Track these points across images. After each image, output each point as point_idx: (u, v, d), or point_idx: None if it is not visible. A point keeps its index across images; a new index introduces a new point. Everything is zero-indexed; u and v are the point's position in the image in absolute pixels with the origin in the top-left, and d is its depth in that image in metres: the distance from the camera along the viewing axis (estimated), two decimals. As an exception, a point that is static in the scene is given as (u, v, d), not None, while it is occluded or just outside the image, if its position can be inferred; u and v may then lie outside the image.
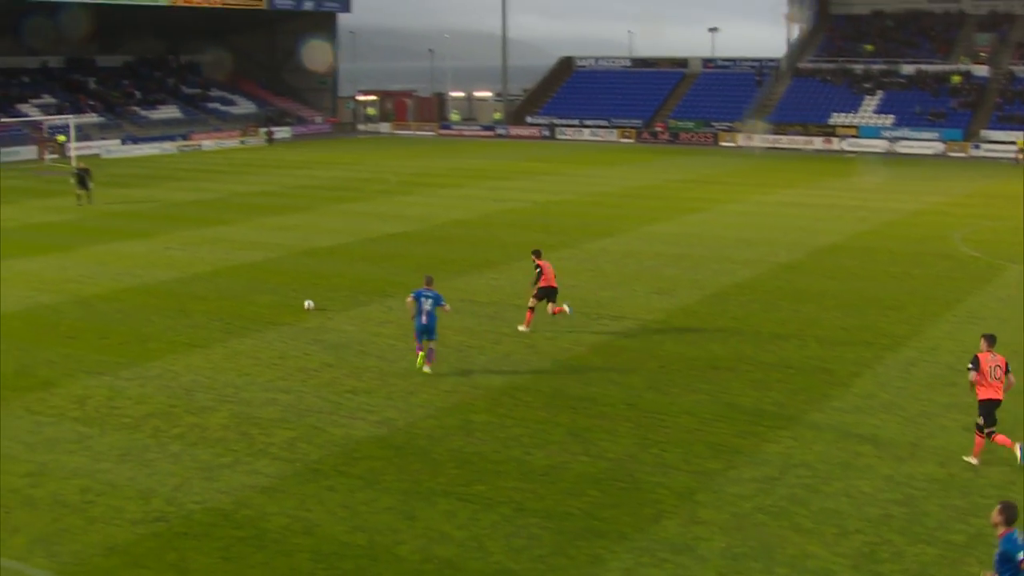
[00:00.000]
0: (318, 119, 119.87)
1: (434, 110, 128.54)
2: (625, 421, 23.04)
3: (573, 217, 52.94)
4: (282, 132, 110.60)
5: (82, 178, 57.98)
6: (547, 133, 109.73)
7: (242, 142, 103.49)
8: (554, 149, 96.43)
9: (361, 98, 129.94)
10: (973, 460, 20.56)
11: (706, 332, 30.38)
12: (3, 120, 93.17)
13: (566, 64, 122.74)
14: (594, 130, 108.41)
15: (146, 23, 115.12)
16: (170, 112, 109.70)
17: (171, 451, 21.37)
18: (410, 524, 18.11)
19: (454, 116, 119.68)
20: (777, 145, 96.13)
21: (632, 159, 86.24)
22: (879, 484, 19.78)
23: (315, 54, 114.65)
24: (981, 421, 20.45)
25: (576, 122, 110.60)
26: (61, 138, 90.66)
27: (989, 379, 20.32)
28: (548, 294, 30.06)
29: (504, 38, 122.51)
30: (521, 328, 30.31)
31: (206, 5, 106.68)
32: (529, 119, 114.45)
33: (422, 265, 39.86)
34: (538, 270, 30.02)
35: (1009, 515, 13.61)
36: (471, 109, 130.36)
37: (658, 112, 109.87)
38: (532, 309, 30.32)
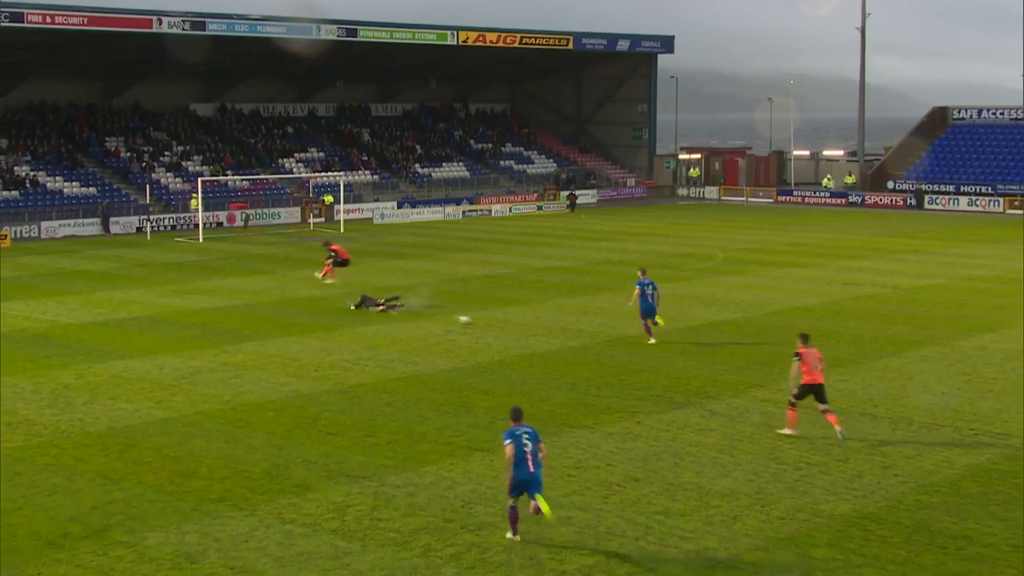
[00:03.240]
0: (631, 181, 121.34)
1: (772, 171, 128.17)
2: (1008, 567, 22.15)
3: (944, 307, 51.67)
4: (587, 196, 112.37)
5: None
6: (913, 201, 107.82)
7: (539, 207, 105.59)
8: (921, 221, 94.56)
9: (683, 156, 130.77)
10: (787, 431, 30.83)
11: (1117, 457, 29.05)
12: (264, 177, 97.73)
13: (940, 116, 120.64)
14: (973, 198, 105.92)
15: (430, 66, 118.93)
16: (455, 171, 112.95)
17: (443, 574, 21.69)
18: None
19: (826, 182, 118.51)
20: None
21: (1022, 235, 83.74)
22: None
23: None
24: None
25: (951, 188, 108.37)
26: (328, 199, 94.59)
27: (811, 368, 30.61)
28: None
29: (862, 84, 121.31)
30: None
31: (502, 45, 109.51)
32: (891, 184, 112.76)
33: (753, 361, 39.60)
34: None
35: (513, 414, 23.68)
36: (817, 171, 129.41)
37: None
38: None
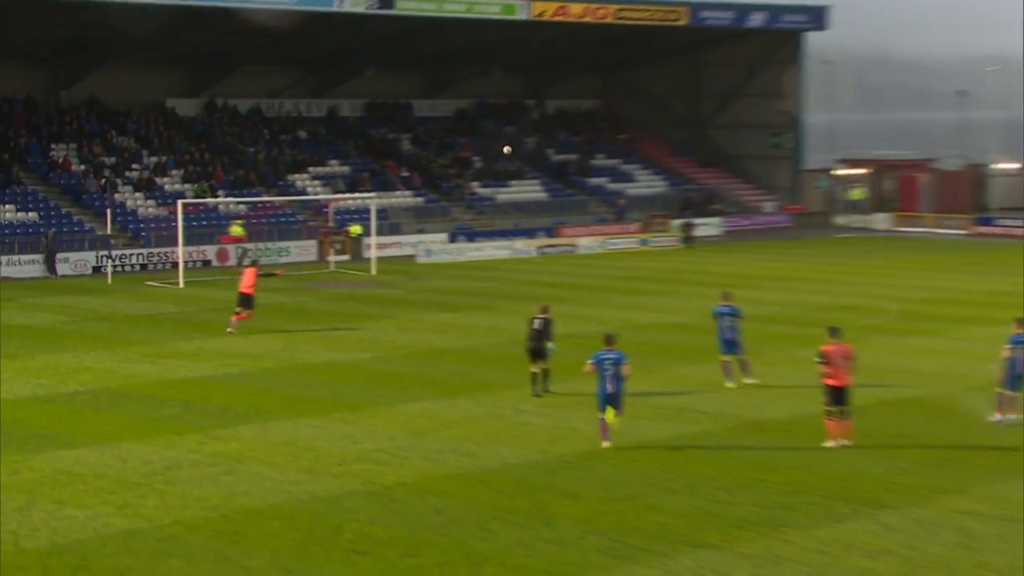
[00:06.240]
0: (768, 206, 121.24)
1: (966, 192, 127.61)
2: None
3: None
4: (708, 226, 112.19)
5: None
6: None
7: (643, 242, 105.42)
8: None
9: (841, 172, 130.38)
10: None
11: None
12: (267, 200, 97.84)
13: None
14: None
15: (494, 51, 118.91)
16: (528, 191, 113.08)
17: None
18: None
19: None
20: None
21: None
22: None
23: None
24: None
25: None
26: (355, 229, 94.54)
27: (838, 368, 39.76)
28: (244, 301, 61.96)
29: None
30: (229, 330, 61.42)
31: (590, 20, 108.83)
32: None
33: (945, 459, 39.17)
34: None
35: (604, 339, 40.10)
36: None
37: None
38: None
